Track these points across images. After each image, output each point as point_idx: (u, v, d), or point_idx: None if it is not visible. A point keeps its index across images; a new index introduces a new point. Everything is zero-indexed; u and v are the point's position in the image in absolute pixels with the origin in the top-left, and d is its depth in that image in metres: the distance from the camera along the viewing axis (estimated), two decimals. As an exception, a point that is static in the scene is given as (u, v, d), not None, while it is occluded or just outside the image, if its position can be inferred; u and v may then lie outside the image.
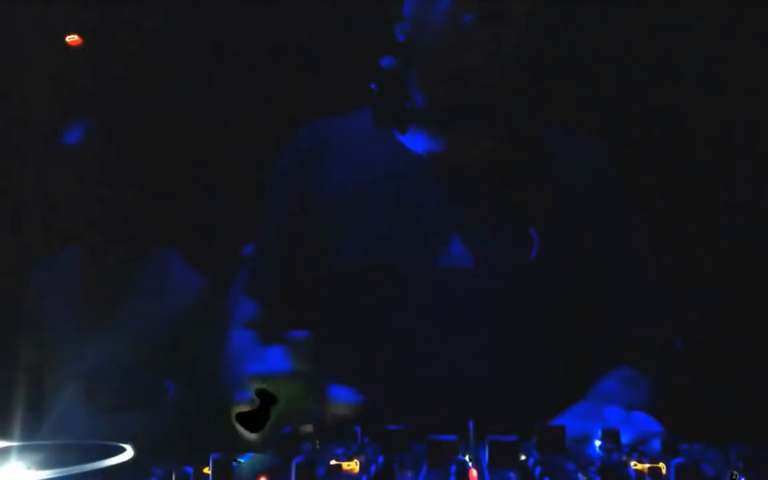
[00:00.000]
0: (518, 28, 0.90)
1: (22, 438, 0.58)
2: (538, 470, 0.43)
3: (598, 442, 0.55)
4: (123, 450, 0.51)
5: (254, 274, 1.04)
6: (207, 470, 0.45)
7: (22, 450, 0.51)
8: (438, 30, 0.90)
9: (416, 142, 0.97)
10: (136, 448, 0.52)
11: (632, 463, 0.47)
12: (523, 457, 0.48)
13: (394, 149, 0.97)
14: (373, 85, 0.98)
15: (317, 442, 0.56)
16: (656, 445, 0.56)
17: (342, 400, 0.66)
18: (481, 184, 0.93)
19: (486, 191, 0.93)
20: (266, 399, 0.63)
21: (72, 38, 1.96)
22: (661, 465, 0.46)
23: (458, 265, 0.88)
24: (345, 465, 0.48)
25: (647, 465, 0.46)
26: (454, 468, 0.42)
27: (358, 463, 0.48)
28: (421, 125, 0.97)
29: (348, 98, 1.03)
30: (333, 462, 0.48)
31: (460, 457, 0.48)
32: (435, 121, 0.96)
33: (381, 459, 0.44)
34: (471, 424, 0.55)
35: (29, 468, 0.47)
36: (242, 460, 0.51)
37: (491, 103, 0.93)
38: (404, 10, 0.97)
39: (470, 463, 0.47)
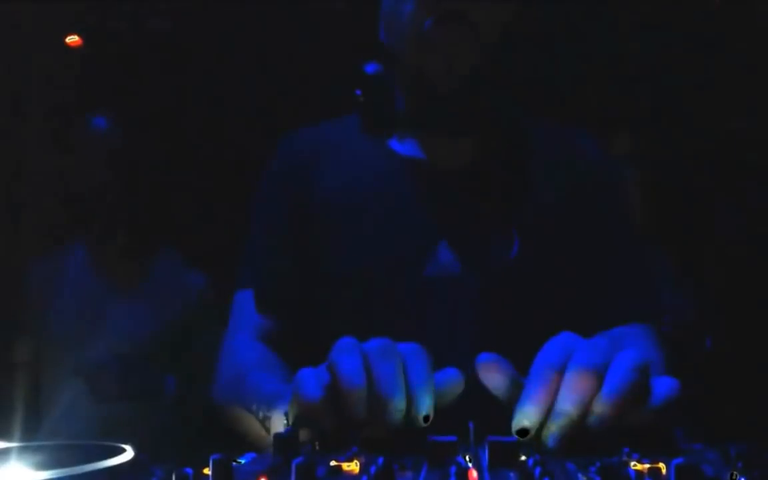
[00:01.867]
0: (485, 30, 0.88)
1: (22, 438, 0.58)
2: (538, 471, 0.43)
3: None
4: (123, 450, 0.51)
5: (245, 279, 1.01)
6: (207, 471, 0.45)
7: (21, 451, 0.51)
8: (403, 34, 0.90)
9: (404, 146, 0.97)
10: (135, 444, 0.52)
11: (632, 463, 0.47)
12: (523, 458, 0.48)
13: (384, 155, 0.97)
14: (358, 92, 0.97)
15: (316, 444, 0.56)
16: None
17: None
18: (466, 188, 0.93)
19: (471, 194, 0.93)
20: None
21: (72, 39, 1.96)
22: (661, 465, 0.46)
23: (446, 272, 0.88)
24: (345, 465, 0.48)
25: (647, 465, 0.46)
26: (454, 469, 0.42)
27: (358, 464, 0.48)
28: (406, 130, 0.97)
29: (346, 101, 1.03)
30: (333, 463, 0.48)
31: (459, 458, 0.48)
32: (416, 126, 0.96)
33: (381, 460, 0.44)
34: (471, 425, 0.55)
35: (28, 469, 0.47)
36: (242, 461, 0.51)
37: (463, 107, 0.92)
38: (381, 13, 0.96)
39: (470, 464, 0.46)
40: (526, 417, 0.55)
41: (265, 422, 0.76)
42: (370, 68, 0.97)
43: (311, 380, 0.59)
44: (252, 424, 0.79)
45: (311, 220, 0.95)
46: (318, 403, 0.57)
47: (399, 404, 0.55)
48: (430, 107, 0.92)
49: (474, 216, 0.92)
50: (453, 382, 0.59)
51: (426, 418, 0.56)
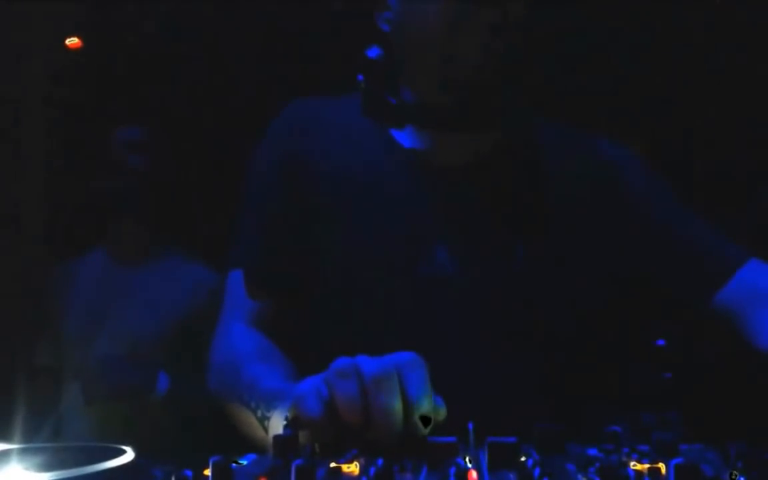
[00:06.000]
0: (516, 19, 0.85)
1: (23, 440, 0.58)
2: (537, 471, 0.43)
3: None
4: (123, 452, 0.51)
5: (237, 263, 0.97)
6: (207, 472, 0.45)
7: (22, 452, 0.51)
8: (430, 19, 0.85)
9: (406, 136, 0.93)
10: (133, 445, 0.52)
11: (631, 463, 0.47)
12: (522, 459, 0.48)
13: (386, 143, 0.93)
14: (360, 77, 0.94)
15: (316, 446, 0.56)
16: None
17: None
18: (469, 187, 0.89)
19: (474, 195, 0.89)
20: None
21: (72, 41, 1.96)
22: (661, 465, 0.46)
23: (440, 272, 0.85)
24: (345, 467, 0.48)
25: (646, 465, 0.46)
26: (453, 470, 0.42)
27: (358, 466, 0.48)
28: (410, 121, 0.93)
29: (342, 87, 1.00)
30: (333, 464, 0.48)
31: (459, 459, 0.48)
32: (423, 118, 0.92)
33: (380, 461, 0.44)
34: (471, 426, 0.55)
35: (29, 470, 0.47)
36: (242, 462, 0.51)
37: (485, 101, 0.89)
38: (389, 2, 0.92)
39: (470, 465, 0.47)
40: None
41: (263, 422, 0.75)
42: (373, 52, 0.93)
43: (312, 398, 0.59)
44: (250, 421, 0.78)
45: (305, 200, 0.91)
46: (318, 419, 0.58)
47: (397, 426, 0.56)
48: (453, 99, 0.88)
49: (475, 217, 0.89)
50: (436, 410, 0.59)
51: (427, 422, 0.56)
